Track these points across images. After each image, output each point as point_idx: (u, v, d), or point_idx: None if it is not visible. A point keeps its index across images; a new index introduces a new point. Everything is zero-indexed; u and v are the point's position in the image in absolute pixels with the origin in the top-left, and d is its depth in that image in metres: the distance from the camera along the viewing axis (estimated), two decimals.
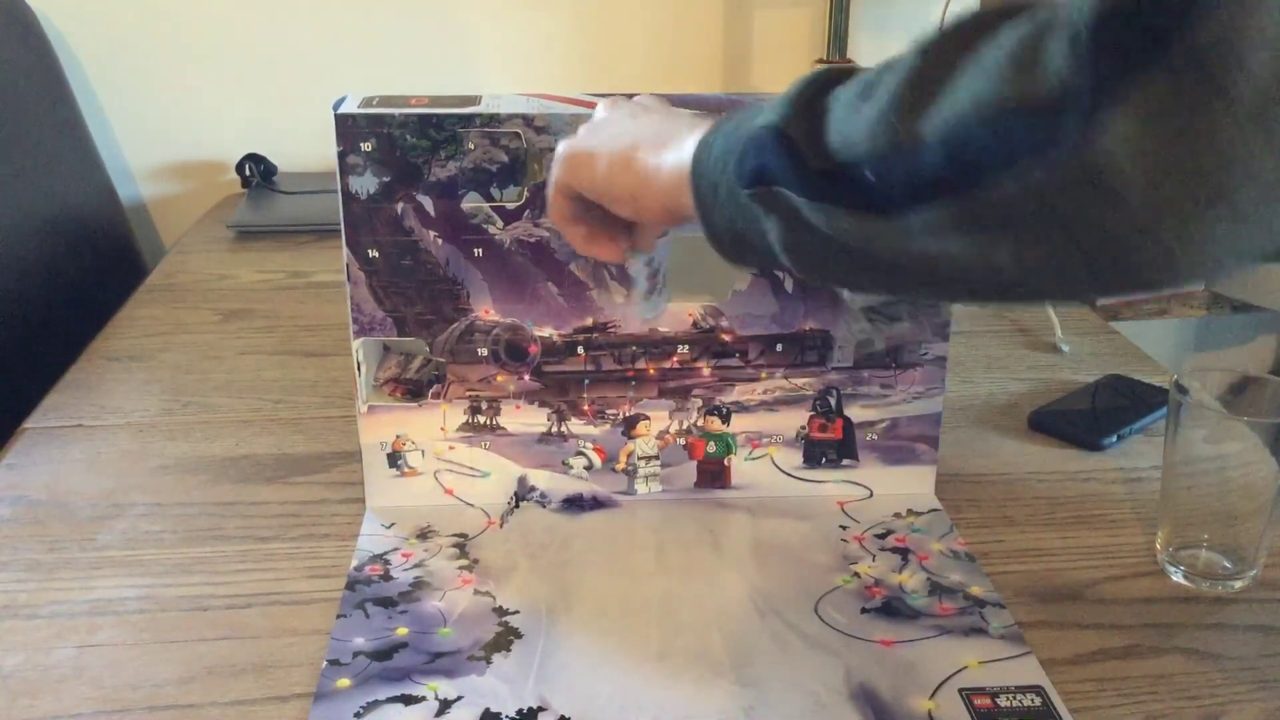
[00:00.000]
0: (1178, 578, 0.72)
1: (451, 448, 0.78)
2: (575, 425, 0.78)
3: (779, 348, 0.77)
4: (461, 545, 0.75)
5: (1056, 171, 0.36)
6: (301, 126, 1.59)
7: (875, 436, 0.80)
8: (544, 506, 0.79)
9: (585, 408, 0.78)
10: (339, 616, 0.67)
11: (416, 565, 0.72)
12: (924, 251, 0.41)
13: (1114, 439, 0.88)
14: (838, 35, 1.63)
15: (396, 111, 0.70)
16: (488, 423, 0.78)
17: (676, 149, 0.55)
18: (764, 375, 0.78)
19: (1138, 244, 0.36)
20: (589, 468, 0.79)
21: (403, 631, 0.66)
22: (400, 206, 0.72)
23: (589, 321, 0.76)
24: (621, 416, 0.78)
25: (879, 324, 0.73)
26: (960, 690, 0.62)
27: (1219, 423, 0.69)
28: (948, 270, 0.41)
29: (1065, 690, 0.62)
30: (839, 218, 0.44)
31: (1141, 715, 0.60)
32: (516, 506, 0.79)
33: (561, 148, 0.62)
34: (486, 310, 0.75)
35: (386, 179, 0.72)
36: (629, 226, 0.63)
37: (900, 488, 0.81)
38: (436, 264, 0.74)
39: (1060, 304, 0.43)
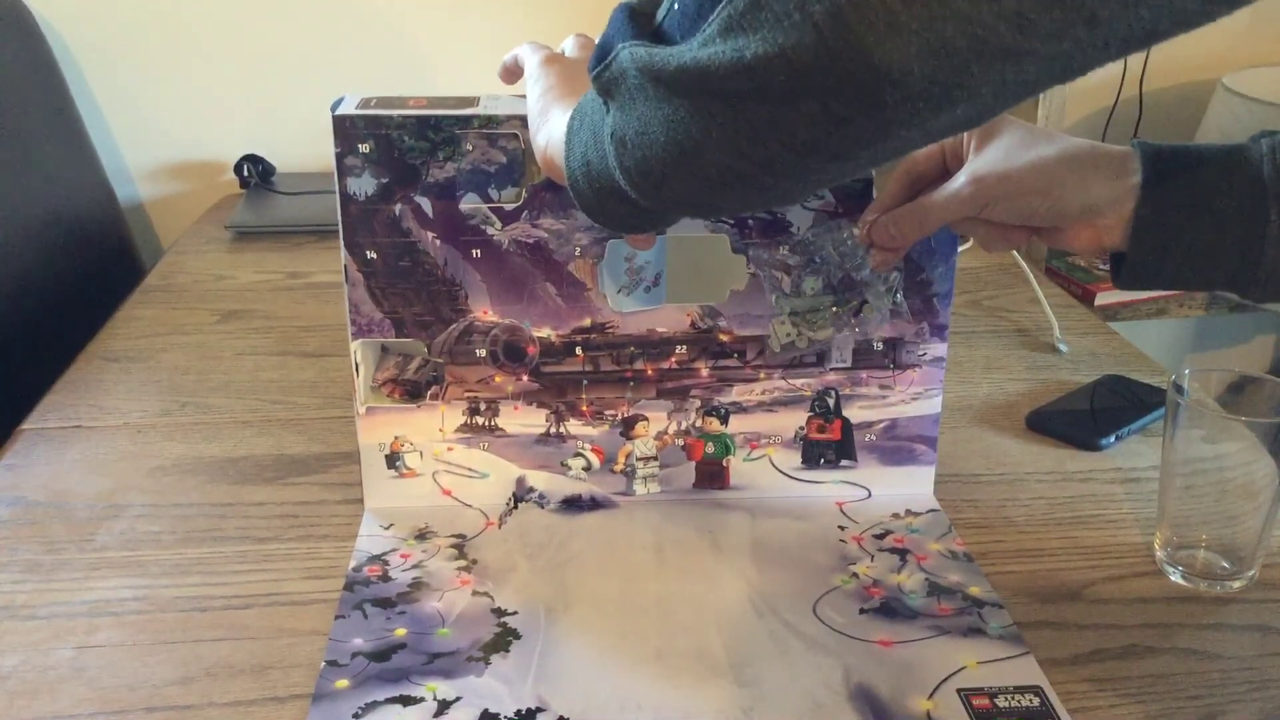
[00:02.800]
0: (1176, 578, 0.72)
1: (450, 449, 0.78)
2: (573, 426, 0.78)
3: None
4: (460, 546, 0.74)
5: None
6: (300, 127, 1.58)
7: (874, 437, 0.80)
8: (542, 507, 0.79)
9: (583, 408, 0.78)
10: (337, 617, 0.67)
11: (415, 566, 0.72)
12: (700, 68, 0.42)
13: (1112, 439, 0.88)
14: None
15: (394, 113, 0.70)
16: (486, 424, 0.78)
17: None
18: (762, 376, 0.78)
19: (858, 4, 0.36)
20: (587, 468, 0.79)
21: (401, 632, 0.66)
22: (398, 207, 0.72)
23: (587, 322, 0.76)
24: (620, 417, 0.78)
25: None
26: (959, 690, 0.62)
27: (1217, 423, 0.69)
28: (713, 87, 0.42)
29: (1064, 690, 0.62)
30: (642, 56, 0.46)
31: (1140, 715, 0.60)
32: (515, 507, 0.79)
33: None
34: (485, 311, 0.75)
35: (384, 180, 0.72)
36: None
37: (899, 488, 0.81)
38: (434, 265, 0.74)
39: (811, 128, 0.41)
